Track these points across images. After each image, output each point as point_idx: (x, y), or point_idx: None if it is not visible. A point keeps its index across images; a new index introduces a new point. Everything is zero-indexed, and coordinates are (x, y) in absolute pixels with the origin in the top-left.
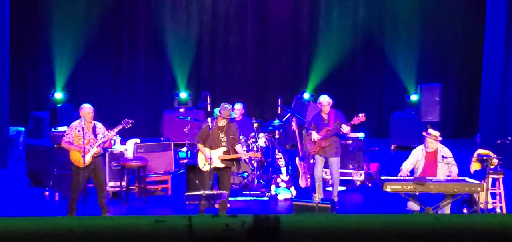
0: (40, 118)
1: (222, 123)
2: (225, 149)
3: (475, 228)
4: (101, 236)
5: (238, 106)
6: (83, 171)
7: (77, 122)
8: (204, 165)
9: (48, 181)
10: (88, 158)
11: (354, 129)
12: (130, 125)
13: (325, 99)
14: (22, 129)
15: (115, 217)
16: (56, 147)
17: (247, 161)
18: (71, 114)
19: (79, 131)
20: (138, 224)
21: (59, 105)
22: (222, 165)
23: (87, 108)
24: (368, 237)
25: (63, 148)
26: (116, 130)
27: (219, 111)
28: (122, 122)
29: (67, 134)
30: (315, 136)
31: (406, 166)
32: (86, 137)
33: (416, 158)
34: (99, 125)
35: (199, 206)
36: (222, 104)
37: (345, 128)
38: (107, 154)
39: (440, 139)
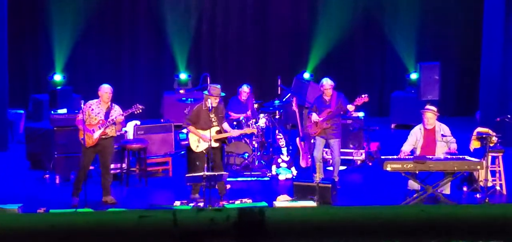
0: (40, 101)
1: (214, 102)
2: (217, 128)
3: (462, 220)
4: (85, 231)
5: (246, 88)
6: (89, 151)
7: (94, 100)
8: (197, 146)
9: (48, 164)
10: (94, 137)
11: (356, 108)
12: (140, 111)
13: (327, 82)
14: (22, 111)
15: (98, 213)
16: (56, 129)
17: (248, 141)
18: (70, 96)
19: (93, 109)
20: (122, 220)
21: (59, 88)
22: (216, 144)
23: (105, 88)
24: (354, 229)
25: (63, 131)
26: (125, 114)
27: (209, 92)
28: (133, 106)
29: (82, 111)
30: (315, 117)
31: (405, 148)
32: (97, 117)
33: (415, 138)
34: (116, 108)
35: (193, 189)
36: (211, 84)
37: (351, 107)
38: None
39: (438, 114)
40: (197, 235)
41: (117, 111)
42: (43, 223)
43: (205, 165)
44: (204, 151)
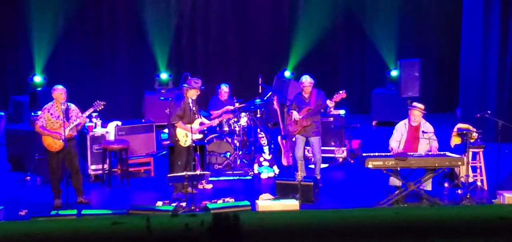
0: (20, 103)
1: (194, 95)
2: (200, 120)
3: (436, 221)
4: (59, 238)
5: (225, 88)
6: (57, 155)
7: (49, 104)
8: (186, 141)
9: (29, 166)
10: (62, 139)
11: (336, 106)
12: (102, 107)
13: (307, 80)
14: (2, 113)
15: (73, 220)
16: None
17: (229, 141)
18: (51, 98)
19: (52, 114)
20: (96, 227)
21: (39, 89)
22: (200, 136)
23: (59, 90)
24: (329, 232)
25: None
26: (87, 112)
27: (191, 85)
28: (93, 104)
29: (40, 118)
30: (295, 115)
31: (394, 144)
32: (58, 120)
33: (400, 134)
34: (72, 107)
35: (175, 188)
36: (191, 78)
37: (330, 103)
38: (88, 137)
39: (424, 111)
40: (171, 240)
41: (75, 111)
42: (17, 231)
43: (192, 162)
44: (191, 144)
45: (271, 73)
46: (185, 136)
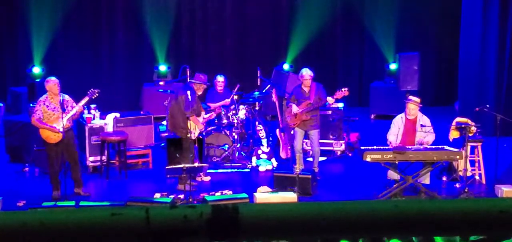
0: (19, 94)
1: (201, 90)
2: (203, 112)
3: (435, 215)
4: (55, 230)
5: (221, 78)
6: (56, 146)
7: (44, 96)
8: (194, 134)
9: (28, 157)
10: (60, 131)
11: (335, 101)
12: (97, 95)
13: (307, 73)
14: (1, 104)
15: (69, 211)
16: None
17: (228, 133)
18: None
19: (47, 106)
20: (94, 217)
21: (38, 80)
22: (202, 127)
23: (52, 81)
24: (328, 225)
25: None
26: (82, 102)
27: (199, 80)
28: (88, 92)
29: (36, 110)
30: (295, 109)
31: (392, 139)
32: (54, 112)
33: (397, 128)
34: (67, 97)
35: (179, 180)
36: (197, 73)
37: (330, 100)
38: (86, 128)
39: (420, 105)
40: (169, 232)
41: (70, 101)
42: (15, 221)
43: (190, 154)
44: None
45: (270, 66)
46: (195, 128)
